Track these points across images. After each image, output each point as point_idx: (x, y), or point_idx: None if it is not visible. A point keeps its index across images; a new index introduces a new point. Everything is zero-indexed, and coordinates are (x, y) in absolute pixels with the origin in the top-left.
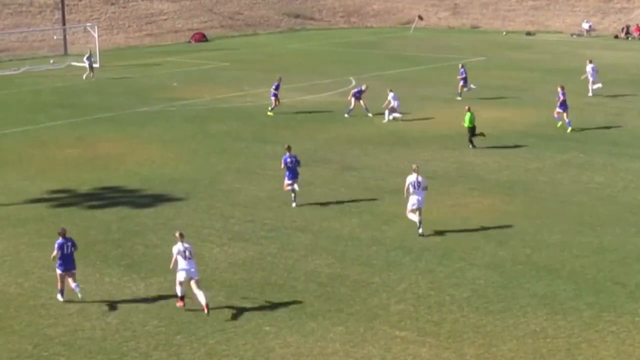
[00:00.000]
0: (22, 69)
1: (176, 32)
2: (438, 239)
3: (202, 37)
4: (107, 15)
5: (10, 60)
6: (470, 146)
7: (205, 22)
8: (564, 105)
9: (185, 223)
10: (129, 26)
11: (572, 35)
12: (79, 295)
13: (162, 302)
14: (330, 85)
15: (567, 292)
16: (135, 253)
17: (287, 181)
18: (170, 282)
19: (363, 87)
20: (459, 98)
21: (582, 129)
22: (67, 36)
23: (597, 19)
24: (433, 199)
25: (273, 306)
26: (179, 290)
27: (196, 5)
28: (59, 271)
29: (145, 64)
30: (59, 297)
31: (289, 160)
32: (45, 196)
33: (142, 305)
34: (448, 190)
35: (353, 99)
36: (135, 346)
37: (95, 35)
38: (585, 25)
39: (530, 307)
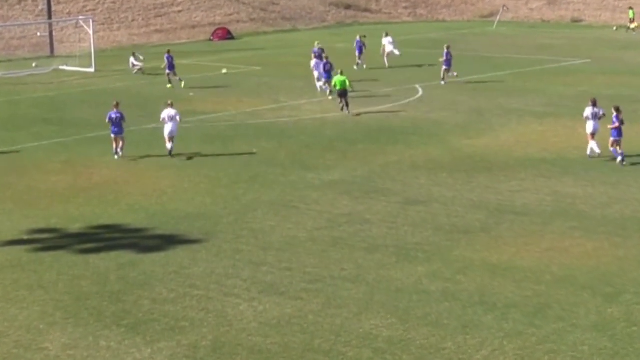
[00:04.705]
0: None
1: (193, 27)
2: (529, 292)
3: (226, 34)
4: (106, 6)
5: None
6: (346, 111)
7: (231, 14)
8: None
9: (203, 271)
10: (133, 20)
11: None
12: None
13: None
14: (390, 95)
15: None
16: (140, 310)
17: (112, 135)
18: (184, 348)
19: None
20: (442, 83)
21: None
22: (54, 33)
23: None
24: (523, 241)
25: None
26: None
27: None
28: None
29: (154, 68)
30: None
31: (114, 116)
32: (25, 237)
33: None
34: (542, 230)
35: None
36: None
37: (90, 31)
38: None
39: None
